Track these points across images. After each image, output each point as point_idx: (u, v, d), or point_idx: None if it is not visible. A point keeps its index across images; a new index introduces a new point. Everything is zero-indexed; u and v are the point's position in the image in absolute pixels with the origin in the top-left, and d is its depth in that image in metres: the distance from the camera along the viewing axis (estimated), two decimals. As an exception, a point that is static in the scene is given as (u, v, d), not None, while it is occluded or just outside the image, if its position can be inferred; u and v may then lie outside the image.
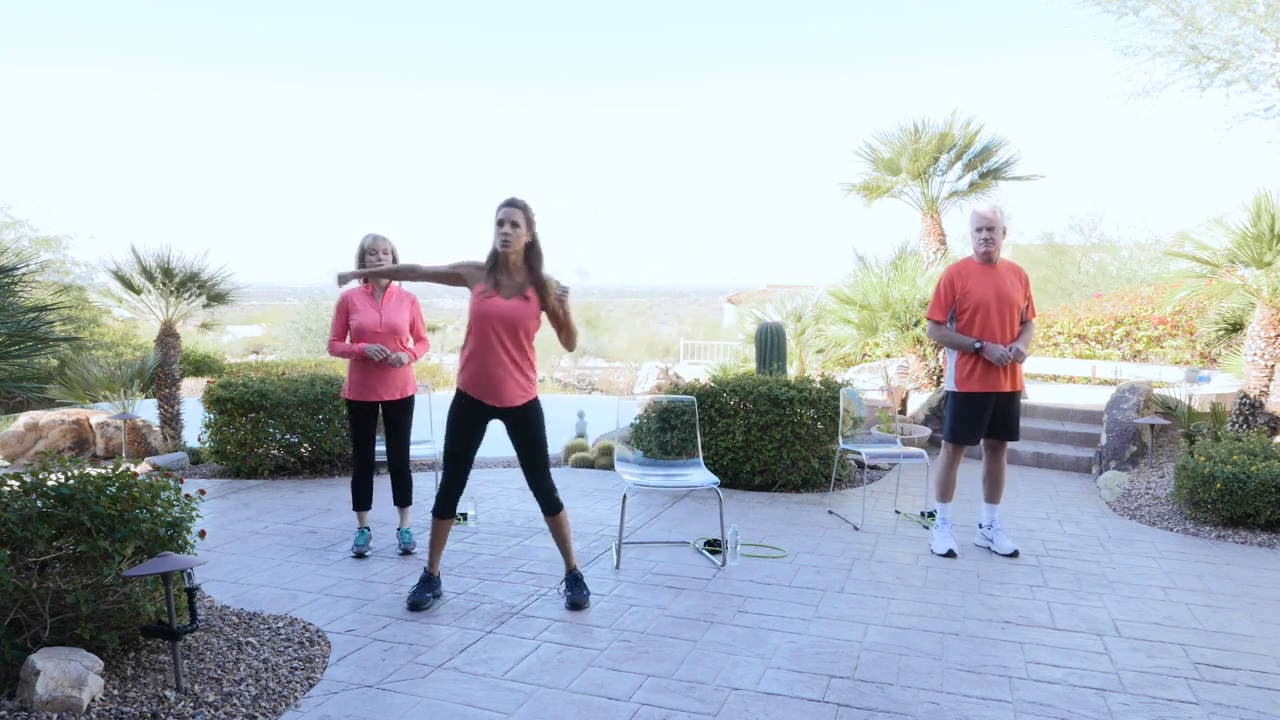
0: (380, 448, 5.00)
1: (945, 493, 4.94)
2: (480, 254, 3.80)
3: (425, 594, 3.84)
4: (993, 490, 4.94)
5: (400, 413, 4.71)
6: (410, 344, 4.75)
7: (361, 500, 4.75)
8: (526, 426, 3.81)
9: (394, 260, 4.66)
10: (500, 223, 3.66)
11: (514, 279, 3.72)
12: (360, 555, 4.60)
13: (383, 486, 6.09)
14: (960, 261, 4.84)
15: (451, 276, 3.82)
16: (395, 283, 4.71)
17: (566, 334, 3.76)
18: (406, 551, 4.69)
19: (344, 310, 4.63)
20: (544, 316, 3.78)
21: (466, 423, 3.79)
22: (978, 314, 4.66)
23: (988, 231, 4.67)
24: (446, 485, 3.81)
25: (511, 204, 3.67)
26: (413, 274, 3.99)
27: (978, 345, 4.63)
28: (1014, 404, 4.81)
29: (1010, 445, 8.43)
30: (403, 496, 4.84)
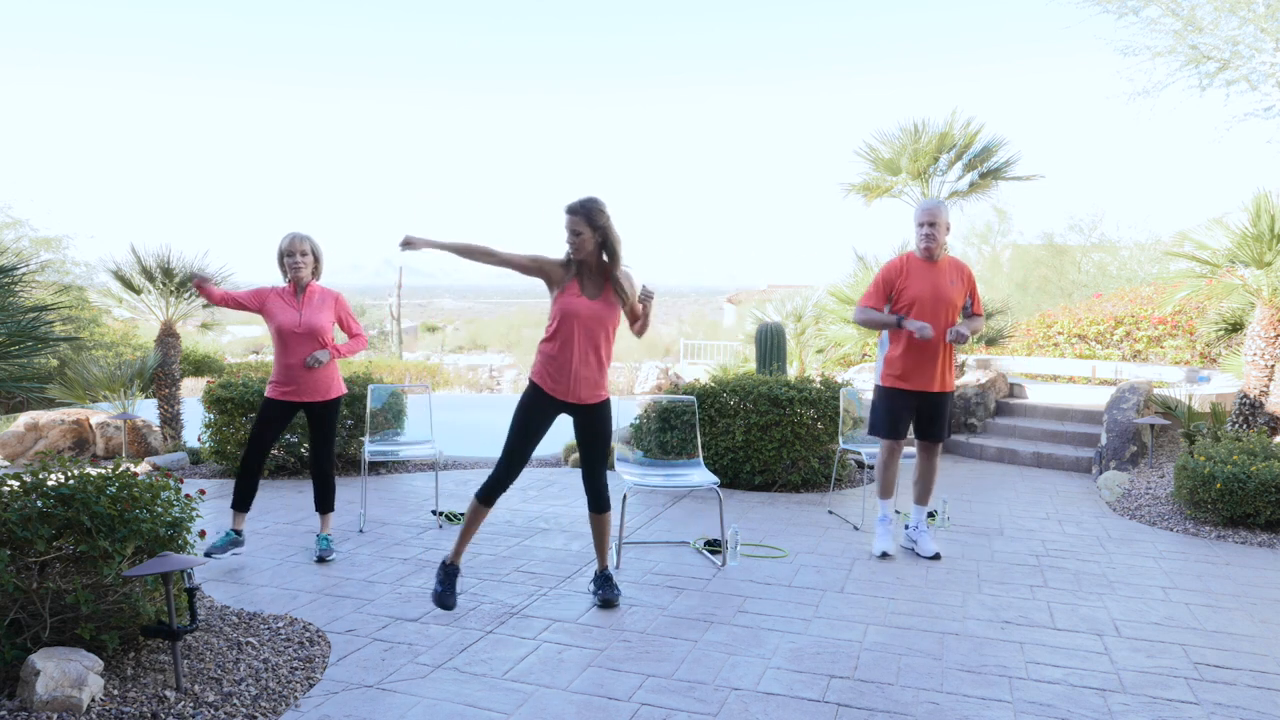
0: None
1: (884, 489, 4.82)
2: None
3: (452, 588, 3.77)
4: (922, 492, 4.86)
5: (325, 415, 4.58)
6: (342, 343, 4.62)
7: (243, 501, 4.51)
8: (597, 423, 3.85)
9: (315, 260, 4.51)
10: (567, 231, 3.66)
11: (596, 277, 3.74)
12: (210, 555, 4.33)
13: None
14: (903, 256, 4.72)
15: (531, 268, 3.76)
16: (317, 281, 4.58)
17: (641, 325, 3.86)
18: (322, 559, 4.51)
19: (257, 295, 4.44)
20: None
21: (538, 417, 3.79)
22: (912, 310, 4.55)
23: (929, 227, 4.56)
24: (500, 476, 3.73)
25: (571, 211, 3.66)
26: (488, 256, 3.79)
27: (899, 320, 4.52)
28: (943, 405, 4.69)
29: (1010, 445, 8.48)
30: (324, 502, 4.67)
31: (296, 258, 4.46)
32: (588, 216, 3.64)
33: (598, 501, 3.91)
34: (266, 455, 4.58)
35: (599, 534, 3.97)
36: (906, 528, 4.97)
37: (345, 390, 4.70)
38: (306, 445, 6.91)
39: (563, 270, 3.74)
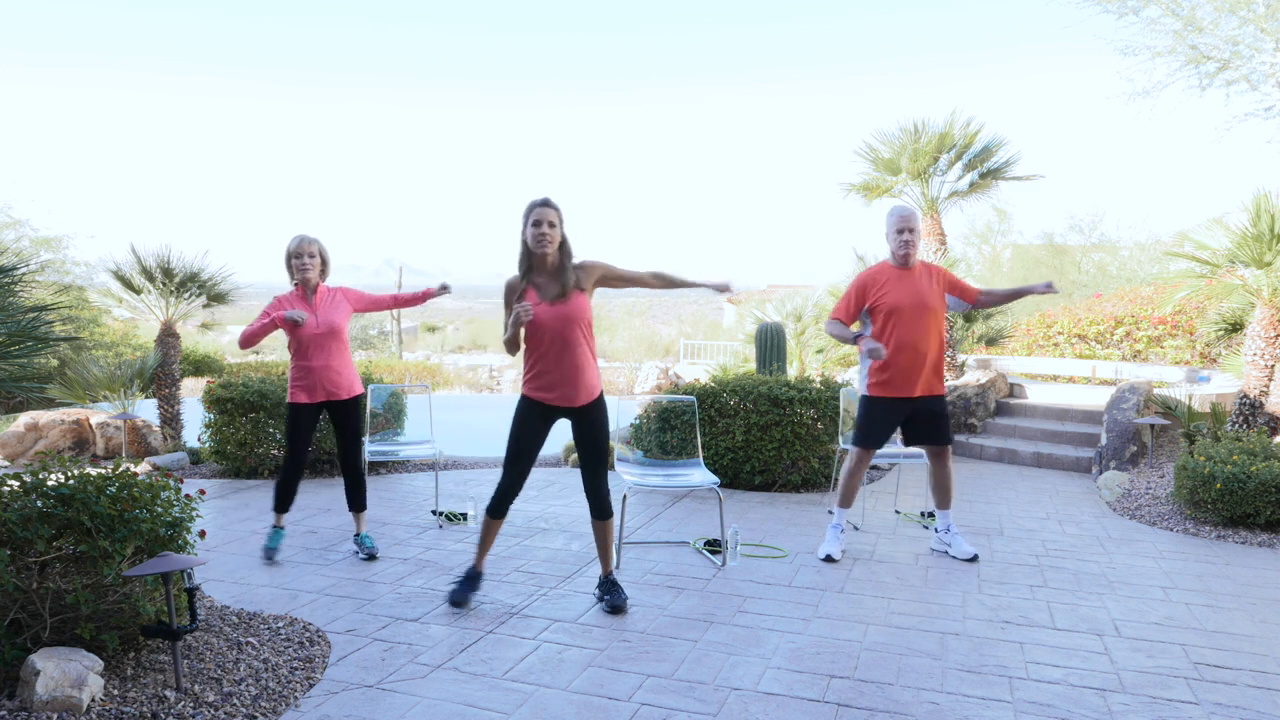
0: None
1: (844, 498, 4.76)
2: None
3: (469, 591, 3.85)
4: (942, 498, 4.82)
5: (349, 413, 4.60)
6: (404, 291, 4.82)
7: (284, 504, 4.61)
8: (594, 423, 3.80)
9: (322, 262, 4.54)
10: (537, 223, 3.60)
11: (553, 278, 3.68)
12: (272, 556, 4.51)
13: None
14: (875, 266, 4.67)
15: (510, 309, 3.73)
16: (324, 281, 4.60)
17: (659, 282, 3.83)
18: (371, 556, 4.57)
19: (269, 314, 4.45)
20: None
21: (534, 427, 3.78)
22: (892, 318, 4.49)
23: (909, 234, 4.50)
24: (506, 486, 3.78)
25: (546, 204, 3.64)
26: (512, 343, 3.75)
27: (856, 335, 4.50)
28: (935, 408, 4.61)
29: (1010, 445, 8.48)
30: (357, 500, 4.70)
31: (305, 259, 4.47)
32: (559, 210, 3.67)
33: (599, 508, 3.85)
34: (305, 459, 4.65)
35: (602, 540, 3.92)
36: (937, 531, 4.91)
37: (363, 390, 4.71)
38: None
39: (520, 282, 3.70)
